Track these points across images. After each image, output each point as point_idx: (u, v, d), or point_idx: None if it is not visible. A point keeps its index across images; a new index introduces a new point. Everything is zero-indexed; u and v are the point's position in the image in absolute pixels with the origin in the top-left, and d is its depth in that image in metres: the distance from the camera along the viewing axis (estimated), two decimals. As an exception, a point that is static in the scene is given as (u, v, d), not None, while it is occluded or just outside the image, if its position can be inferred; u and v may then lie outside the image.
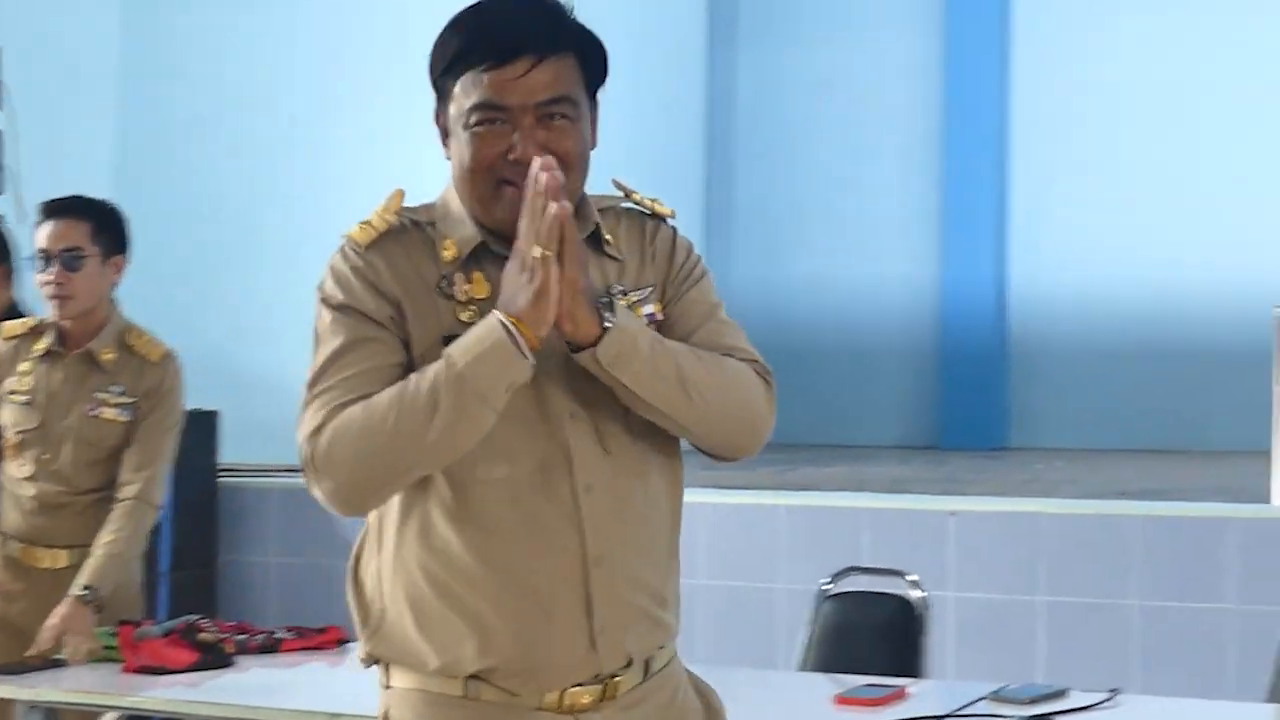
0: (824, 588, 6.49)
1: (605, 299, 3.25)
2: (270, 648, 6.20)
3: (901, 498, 9.90)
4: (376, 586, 3.44)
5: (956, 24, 17.23)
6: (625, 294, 3.37)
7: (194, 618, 6.39)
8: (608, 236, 3.46)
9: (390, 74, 11.34)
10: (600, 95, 3.45)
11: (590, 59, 3.37)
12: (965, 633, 8.88)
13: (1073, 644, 8.79)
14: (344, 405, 3.26)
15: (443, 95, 3.37)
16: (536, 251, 3.14)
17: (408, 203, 3.46)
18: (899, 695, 5.28)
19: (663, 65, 15.30)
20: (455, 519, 3.32)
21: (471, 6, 3.31)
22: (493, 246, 3.37)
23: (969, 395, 17.01)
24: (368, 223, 3.41)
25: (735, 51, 17.21)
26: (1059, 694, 5.19)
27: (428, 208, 3.46)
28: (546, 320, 3.16)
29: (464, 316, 3.32)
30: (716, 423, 3.43)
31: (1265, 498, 9.12)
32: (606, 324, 3.20)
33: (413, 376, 3.24)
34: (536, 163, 3.16)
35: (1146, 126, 16.43)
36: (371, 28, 12.92)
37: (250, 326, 12.52)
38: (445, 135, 3.40)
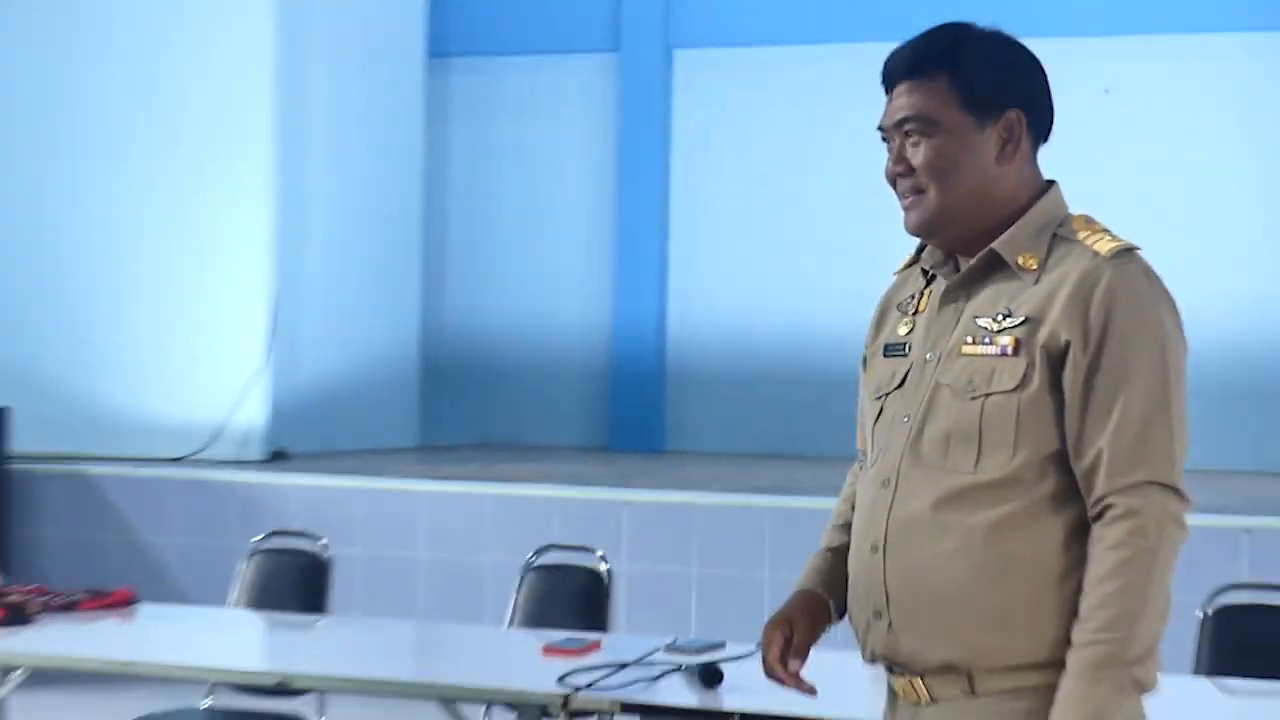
0: (529, 560, 6.50)
1: None
2: (69, 607, 6.05)
3: (584, 489, 9.99)
4: None
5: (628, 109, 17.36)
6: (998, 319, 2.81)
7: None
8: (1020, 257, 2.83)
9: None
10: (1010, 109, 2.90)
11: (965, 76, 2.87)
12: (635, 597, 9.09)
13: (718, 608, 9.22)
14: None
15: None
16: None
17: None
18: (594, 646, 5.29)
19: (386, 131, 15.70)
20: None
21: None
22: (926, 265, 3.06)
23: (634, 407, 17.11)
24: None
25: (449, 119, 17.35)
26: (718, 645, 5.20)
27: None
28: None
29: (901, 329, 3.03)
30: (1164, 616, 2.72)
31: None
32: None
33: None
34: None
35: (779, 200, 16.72)
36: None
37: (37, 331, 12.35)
38: None
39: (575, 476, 11.30)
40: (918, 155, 2.89)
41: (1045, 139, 3.00)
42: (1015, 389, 2.77)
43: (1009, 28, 3.06)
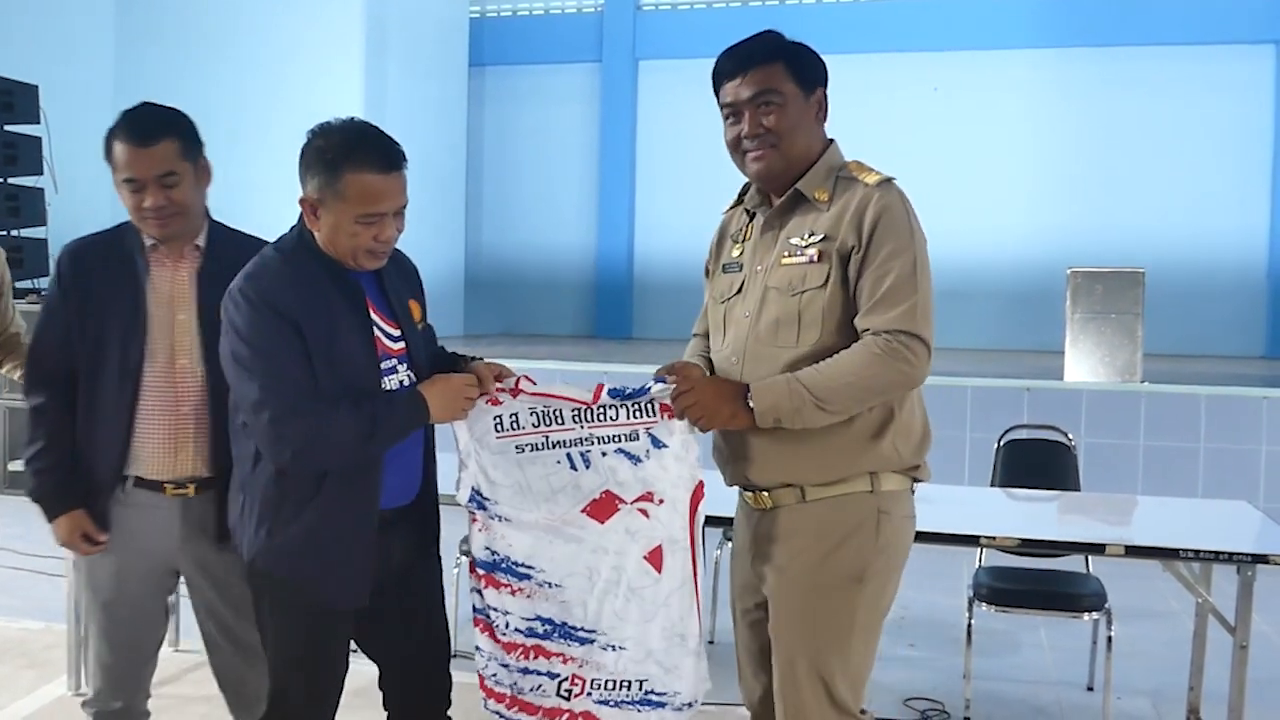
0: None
1: (747, 392, 2.69)
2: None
3: (576, 363, 9.95)
4: None
5: (607, 102, 17.20)
6: (807, 238, 2.75)
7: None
8: (815, 193, 2.77)
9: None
10: (824, 86, 2.84)
11: (794, 61, 2.80)
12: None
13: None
14: None
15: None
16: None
17: None
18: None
19: (440, 116, 15.55)
20: None
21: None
22: (749, 206, 3.00)
23: (611, 307, 17.06)
24: None
25: (483, 108, 17.14)
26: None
27: None
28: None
29: (734, 252, 3.00)
30: (861, 405, 2.67)
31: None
32: (751, 405, 2.68)
33: None
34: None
35: (708, 167, 16.14)
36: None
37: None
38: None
39: (570, 355, 11.25)
40: (770, 119, 2.79)
41: None
42: (821, 286, 2.72)
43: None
